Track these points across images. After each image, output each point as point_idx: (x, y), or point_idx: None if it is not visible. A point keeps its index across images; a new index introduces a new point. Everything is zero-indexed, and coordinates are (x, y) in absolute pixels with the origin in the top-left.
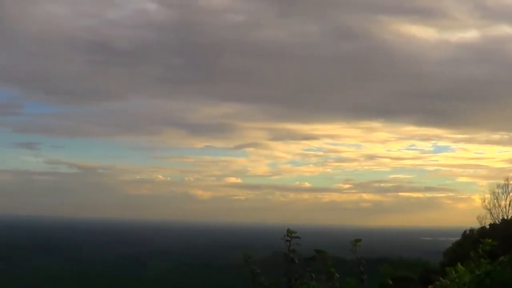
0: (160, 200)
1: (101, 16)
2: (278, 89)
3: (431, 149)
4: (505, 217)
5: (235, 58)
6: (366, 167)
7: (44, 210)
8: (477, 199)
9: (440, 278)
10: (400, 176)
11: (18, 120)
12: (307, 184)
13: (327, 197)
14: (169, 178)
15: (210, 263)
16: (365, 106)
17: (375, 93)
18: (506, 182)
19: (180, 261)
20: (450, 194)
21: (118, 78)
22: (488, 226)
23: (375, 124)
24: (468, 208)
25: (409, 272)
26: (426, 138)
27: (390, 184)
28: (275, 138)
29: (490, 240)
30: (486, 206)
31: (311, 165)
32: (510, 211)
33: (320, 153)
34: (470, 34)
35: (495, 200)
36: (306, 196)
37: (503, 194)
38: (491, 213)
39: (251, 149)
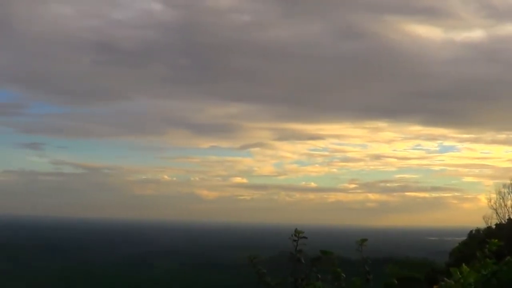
0: (165, 200)
1: (106, 16)
2: (284, 89)
3: (437, 149)
4: (511, 217)
5: (241, 58)
6: (372, 167)
7: (49, 210)
8: (483, 199)
9: (445, 279)
10: (406, 176)
11: (23, 121)
12: (312, 184)
13: (332, 197)
14: (174, 178)
15: (215, 263)
16: (371, 106)
17: (381, 93)
18: None
19: (186, 261)
20: (456, 194)
21: (123, 78)
22: (494, 226)
23: (381, 124)
24: (474, 208)
25: (415, 272)
26: (432, 138)
27: (396, 184)
28: (281, 138)
29: (496, 240)
30: (492, 206)
31: (316, 165)
32: None
33: (326, 153)
34: (476, 34)
35: (501, 200)
36: (311, 196)
37: (509, 193)
38: (497, 213)
39: (256, 149)
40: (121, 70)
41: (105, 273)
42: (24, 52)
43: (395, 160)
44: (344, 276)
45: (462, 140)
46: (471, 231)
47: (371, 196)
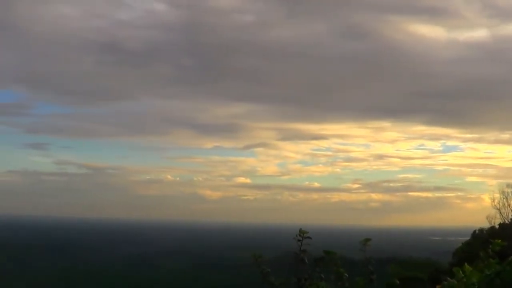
0: (169, 200)
1: (110, 16)
2: (287, 89)
3: (440, 148)
4: None
5: (244, 58)
6: (375, 167)
7: (53, 210)
8: (486, 199)
9: (448, 278)
10: (409, 175)
11: (27, 121)
12: (316, 184)
13: (336, 197)
14: (178, 178)
15: (218, 263)
16: (374, 106)
17: (384, 93)
18: None
19: (189, 261)
20: (460, 193)
21: (127, 79)
22: (497, 226)
23: (384, 124)
24: (477, 207)
25: (418, 272)
26: (435, 138)
27: (399, 184)
28: (284, 138)
29: (499, 240)
30: (495, 205)
31: (320, 165)
32: None
33: (329, 153)
34: (479, 33)
35: (504, 200)
36: (315, 196)
37: None
38: (500, 212)
39: (260, 149)
40: (125, 70)
41: (108, 273)
42: (28, 52)
43: (399, 160)
44: (347, 276)
45: (465, 140)
46: (474, 231)
47: (374, 196)
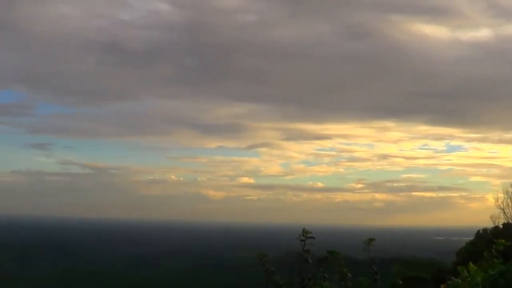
0: (172, 200)
1: (113, 16)
2: (291, 89)
3: (444, 148)
4: None
5: (247, 58)
6: (379, 167)
7: (56, 210)
8: (490, 199)
9: (452, 278)
10: (413, 175)
11: (30, 121)
12: (319, 184)
13: (339, 197)
14: (181, 178)
15: (221, 263)
16: (378, 106)
17: (388, 93)
18: None
19: (192, 261)
20: (463, 193)
21: (130, 79)
22: (501, 226)
23: (388, 124)
24: (481, 207)
25: (422, 272)
26: (439, 138)
27: (403, 184)
28: (288, 138)
29: (503, 240)
30: (499, 205)
31: (323, 165)
32: None
33: (333, 153)
34: (483, 33)
35: (508, 200)
36: (318, 196)
37: None
38: (504, 212)
39: (263, 149)
40: (127, 70)
41: (108, 273)
42: (30, 52)
43: (402, 159)
44: (350, 276)
45: (469, 140)
46: (478, 231)
47: (378, 196)
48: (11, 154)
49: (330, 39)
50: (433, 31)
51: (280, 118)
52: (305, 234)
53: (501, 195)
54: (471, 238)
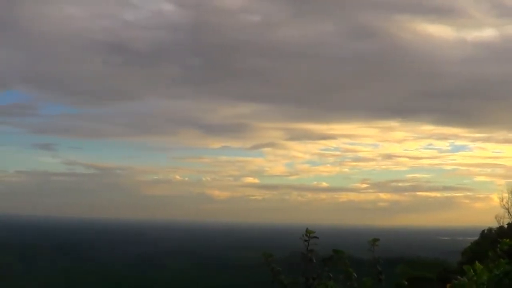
0: (177, 200)
1: (117, 17)
2: (295, 89)
3: (449, 148)
4: None
5: (252, 58)
6: (384, 167)
7: (61, 210)
8: (495, 198)
9: (458, 277)
10: (418, 175)
11: (36, 121)
12: (324, 184)
13: (344, 197)
14: (186, 179)
15: (226, 264)
16: (382, 106)
17: (392, 93)
18: None
19: (196, 261)
20: (468, 193)
21: (134, 79)
22: (506, 226)
23: (392, 124)
24: (486, 207)
25: (426, 272)
26: (444, 137)
27: (408, 184)
28: (292, 138)
29: (508, 239)
30: (504, 205)
31: (328, 165)
32: None
33: (338, 152)
34: (488, 33)
35: None
36: (323, 196)
37: None
38: (509, 212)
39: (268, 149)
40: (132, 71)
41: (115, 273)
42: (35, 52)
43: (407, 159)
44: (356, 276)
45: (474, 140)
46: (483, 231)
47: (383, 195)
48: (16, 155)
49: (334, 39)
50: (438, 31)
51: (284, 118)
52: (308, 234)
53: (505, 195)
54: (476, 238)
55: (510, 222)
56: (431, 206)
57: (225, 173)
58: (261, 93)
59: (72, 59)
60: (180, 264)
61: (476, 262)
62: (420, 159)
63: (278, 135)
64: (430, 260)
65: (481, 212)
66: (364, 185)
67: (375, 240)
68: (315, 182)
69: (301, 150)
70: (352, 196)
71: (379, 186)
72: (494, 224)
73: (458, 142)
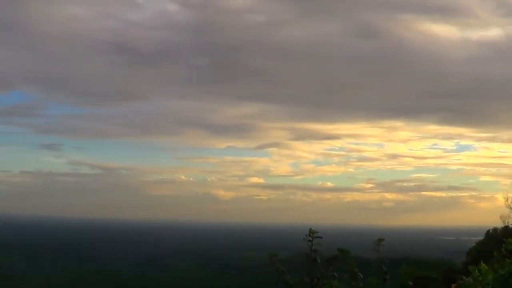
0: (182, 200)
1: (123, 17)
2: (300, 89)
3: (454, 148)
4: None
5: (257, 58)
6: (389, 167)
7: (66, 211)
8: (500, 198)
9: (463, 277)
10: (423, 175)
11: (41, 122)
12: (329, 184)
13: (349, 196)
14: (191, 179)
15: (231, 264)
16: (387, 106)
17: (397, 93)
18: None
19: (201, 261)
20: (473, 193)
21: (140, 79)
22: (511, 226)
23: (397, 123)
24: (491, 207)
25: (431, 272)
26: (449, 137)
27: (413, 184)
28: (297, 138)
29: None
30: (509, 205)
31: (333, 164)
32: None
33: (342, 152)
34: (493, 32)
35: None
36: (328, 196)
37: None
38: None
39: (273, 149)
40: (138, 71)
41: (119, 273)
42: (41, 53)
43: (412, 159)
44: (361, 276)
45: (479, 139)
46: (488, 231)
47: (388, 195)
48: (20, 155)
49: (339, 39)
50: (442, 31)
51: (289, 118)
52: (312, 234)
53: (511, 194)
54: (481, 238)
55: None
56: (436, 206)
57: (230, 173)
58: (266, 93)
59: (77, 60)
60: (183, 264)
61: (481, 262)
62: (425, 159)
63: (283, 135)
64: (435, 260)
65: (486, 212)
66: (369, 185)
67: (380, 240)
68: (320, 182)
69: (306, 150)
70: (357, 196)
71: (384, 186)
72: (499, 224)
73: (463, 142)
